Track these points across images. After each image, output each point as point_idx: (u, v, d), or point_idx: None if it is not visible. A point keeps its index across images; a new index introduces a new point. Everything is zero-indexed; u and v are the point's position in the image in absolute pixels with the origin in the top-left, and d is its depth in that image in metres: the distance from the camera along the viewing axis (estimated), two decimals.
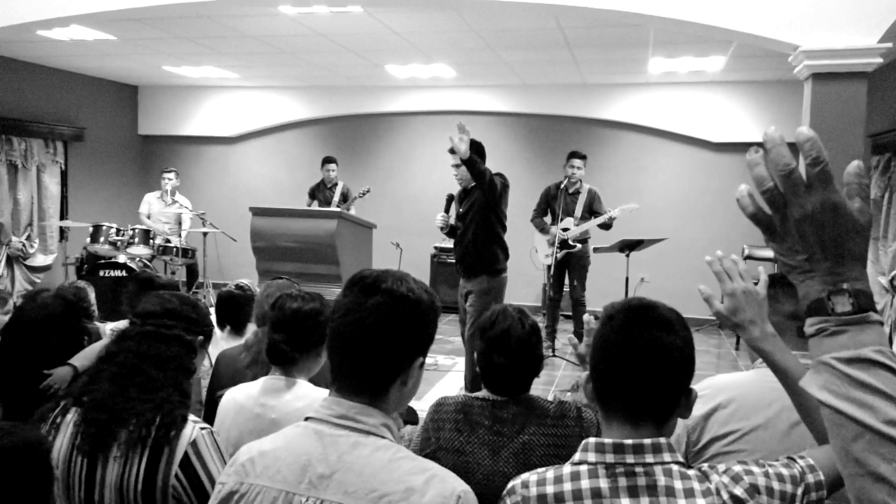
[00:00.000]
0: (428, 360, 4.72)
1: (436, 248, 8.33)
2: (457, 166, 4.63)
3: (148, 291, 2.48)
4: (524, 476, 1.21)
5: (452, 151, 4.58)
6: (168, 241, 7.37)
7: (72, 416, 1.70)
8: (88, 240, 6.95)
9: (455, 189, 4.88)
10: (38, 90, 8.06)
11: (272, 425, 1.80)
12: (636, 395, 1.19)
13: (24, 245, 7.82)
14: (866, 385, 0.74)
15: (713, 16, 4.07)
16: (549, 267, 6.24)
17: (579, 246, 6.24)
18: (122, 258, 6.72)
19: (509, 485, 1.22)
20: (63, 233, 8.26)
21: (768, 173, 0.78)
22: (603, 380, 1.23)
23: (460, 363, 5.79)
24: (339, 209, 6.55)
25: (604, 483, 1.13)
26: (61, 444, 1.67)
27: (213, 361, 2.74)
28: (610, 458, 1.15)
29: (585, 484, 1.14)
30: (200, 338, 1.88)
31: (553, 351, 6.29)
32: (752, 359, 1.74)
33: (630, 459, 1.14)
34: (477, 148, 4.48)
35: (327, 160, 7.50)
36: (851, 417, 0.74)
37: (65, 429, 1.69)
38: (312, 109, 9.11)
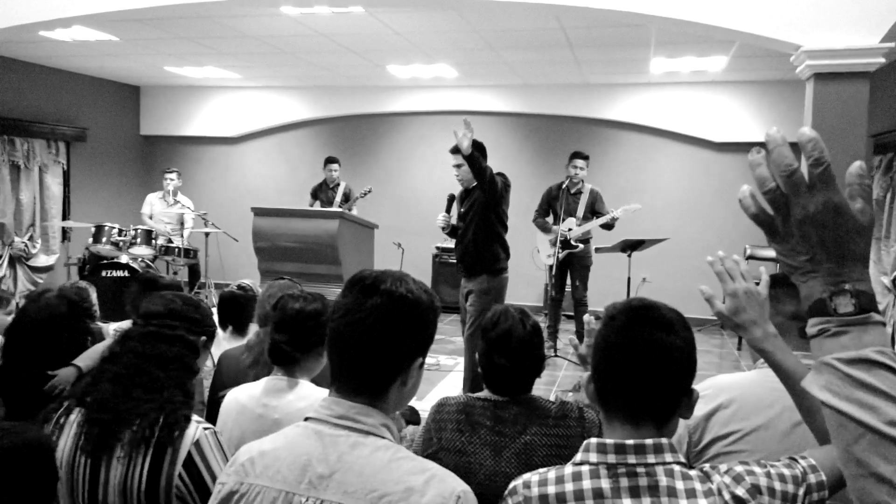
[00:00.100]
0: (430, 360, 4.68)
1: (437, 248, 8.33)
2: (458, 166, 4.63)
3: (151, 292, 2.48)
4: (526, 476, 1.21)
5: (454, 151, 4.58)
6: (170, 241, 7.38)
7: (75, 417, 1.71)
8: (91, 240, 6.96)
9: (456, 189, 4.88)
10: (41, 90, 8.07)
11: (274, 425, 1.81)
12: (637, 395, 1.19)
13: (26, 245, 7.84)
14: (868, 386, 0.74)
15: (715, 16, 4.07)
16: (550, 267, 6.24)
17: (581, 246, 6.24)
18: (124, 258, 6.73)
19: (511, 485, 1.22)
20: (65, 233, 8.28)
21: (770, 174, 0.78)
22: (604, 380, 1.23)
23: (462, 363, 5.79)
24: (340, 209, 6.56)
25: (606, 483, 1.13)
26: (65, 444, 1.68)
27: (216, 362, 2.74)
28: (612, 458, 1.15)
29: (587, 484, 1.14)
30: (203, 338, 1.89)
31: (555, 351, 6.29)
32: (754, 359, 1.74)
33: (632, 460, 1.14)
34: (478, 148, 4.48)
35: (330, 160, 7.50)
36: (853, 418, 0.74)
37: (68, 429, 1.69)
38: (314, 110, 9.11)
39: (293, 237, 5.96)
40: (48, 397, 2.27)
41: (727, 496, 1.10)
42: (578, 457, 1.18)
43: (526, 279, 7.83)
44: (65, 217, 8.34)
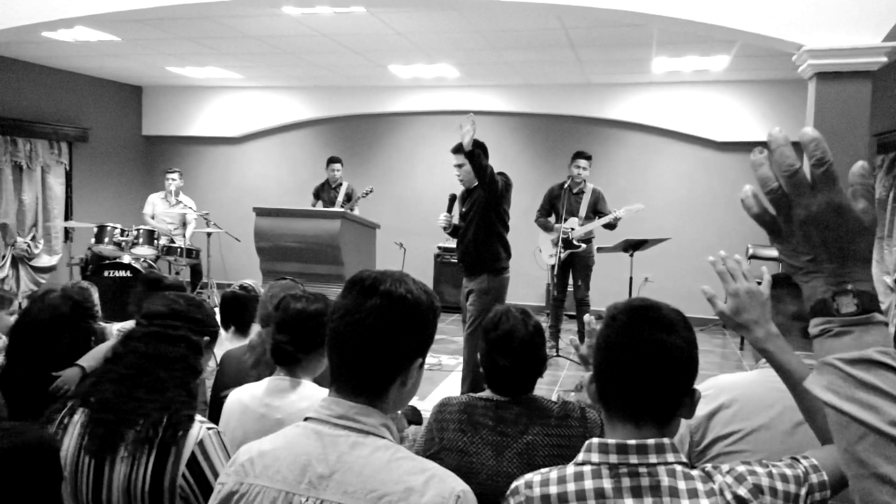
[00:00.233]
0: (431, 360, 4.68)
1: (439, 247, 8.33)
2: (459, 166, 4.63)
3: (155, 292, 2.49)
4: (528, 476, 1.21)
5: (455, 151, 4.59)
6: (172, 241, 7.39)
7: (79, 417, 1.71)
8: (93, 240, 6.97)
9: (458, 189, 4.88)
10: (43, 91, 8.09)
11: (277, 425, 1.81)
12: (639, 395, 1.19)
13: (29, 245, 7.85)
14: (870, 386, 0.74)
15: (716, 15, 4.06)
16: (552, 267, 6.24)
17: (583, 246, 6.23)
18: (126, 258, 6.74)
19: (513, 485, 1.22)
20: (68, 233, 8.29)
21: (773, 174, 0.78)
22: (606, 380, 1.23)
23: None
24: (342, 209, 6.56)
25: (607, 483, 1.13)
26: (69, 444, 1.68)
27: (218, 362, 2.75)
28: (613, 458, 1.15)
29: (589, 484, 1.14)
30: (206, 338, 1.89)
31: (557, 351, 6.29)
32: (756, 359, 1.74)
33: (633, 460, 1.14)
34: (480, 147, 4.48)
35: (332, 160, 7.51)
36: (855, 418, 0.74)
37: (72, 429, 1.70)
38: (316, 110, 9.12)
39: (295, 237, 5.97)
40: (52, 397, 2.27)
41: (729, 496, 1.10)
42: (580, 457, 1.19)
43: (528, 279, 7.83)
44: (67, 217, 8.36)
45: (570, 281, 6.47)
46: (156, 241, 7.11)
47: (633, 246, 6.11)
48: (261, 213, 6.18)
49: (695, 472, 1.14)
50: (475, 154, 4.34)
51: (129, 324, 2.09)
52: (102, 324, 3.22)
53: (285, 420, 1.84)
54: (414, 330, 1.18)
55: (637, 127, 8.17)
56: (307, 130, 9.33)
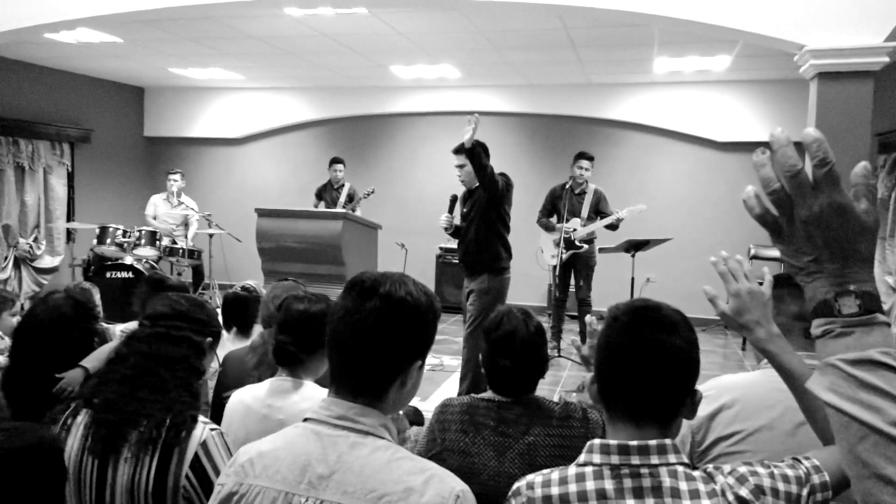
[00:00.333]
0: (433, 361, 4.68)
1: (441, 248, 8.33)
2: (460, 166, 4.63)
3: (159, 293, 2.49)
4: (529, 477, 1.21)
5: (456, 151, 4.60)
6: (174, 242, 7.40)
7: (82, 418, 1.71)
8: (95, 241, 6.98)
9: (459, 190, 4.88)
10: (45, 92, 8.10)
11: (279, 426, 1.80)
12: (640, 396, 1.19)
13: (31, 247, 7.87)
14: (872, 387, 0.74)
15: (718, 15, 4.06)
16: (554, 267, 6.23)
17: (586, 246, 6.23)
18: (128, 259, 6.75)
19: (514, 486, 1.22)
20: (70, 234, 8.31)
21: (775, 174, 0.78)
22: (607, 381, 1.23)
23: None
24: (344, 210, 6.57)
25: (609, 484, 1.13)
26: (72, 445, 1.68)
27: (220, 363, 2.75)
28: (615, 459, 1.15)
29: (590, 485, 1.14)
30: (209, 339, 1.90)
31: (558, 351, 6.29)
32: (758, 359, 1.74)
33: (635, 461, 1.14)
34: (481, 148, 4.49)
35: (335, 161, 7.51)
36: (857, 419, 0.74)
37: (75, 430, 1.70)
38: (318, 110, 9.13)
39: (297, 238, 5.97)
40: (55, 399, 2.28)
41: (731, 497, 1.10)
42: (582, 458, 1.19)
43: (529, 279, 7.83)
44: (69, 218, 8.37)
45: (572, 281, 6.46)
46: (158, 242, 7.12)
47: (634, 246, 6.11)
48: (262, 213, 6.19)
49: (697, 473, 1.14)
50: (476, 152, 4.34)
51: (133, 325, 2.10)
52: (105, 325, 3.23)
53: (287, 421, 1.84)
54: (413, 332, 1.18)
55: (638, 127, 8.17)
56: (309, 131, 9.34)
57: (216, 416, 2.19)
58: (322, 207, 7.32)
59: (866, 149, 4.02)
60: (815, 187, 0.76)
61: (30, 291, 7.86)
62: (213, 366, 2.67)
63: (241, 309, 3.28)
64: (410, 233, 8.21)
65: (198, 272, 7.67)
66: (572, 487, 1.14)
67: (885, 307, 5.84)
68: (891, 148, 6.21)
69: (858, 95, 3.98)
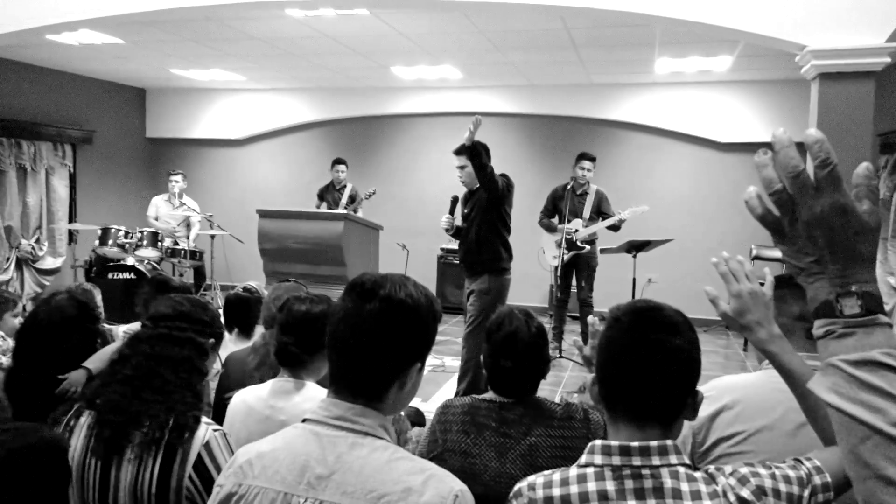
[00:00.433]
0: (435, 362, 4.67)
1: (442, 249, 8.33)
2: (462, 167, 4.63)
3: (162, 294, 2.49)
4: (530, 478, 1.21)
5: (457, 152, 4.60)
6: (176, 243, 7.41)
7: (85, 419, 1.72)
8: (97, 242, 6.99)
9: (461, 191, 4.89)
10: (47, 93, 8.12)
11: (281, 427, 1.80)
12: (642, 397, 1.19)
13: (33, 248, 7.88)
14: (874, 387, 0.74)
15: (719, 16, 4.06)
16: (556, 268, 6.23)
17: (587, 247, 6.23)
18: (130, 261, 6.75)
19: (516, 487, 1.22)
20: (72, 235, 8.32)
21: (777, 175, 0.78)
22: (609, 382, 1.23)
23: None
24: (345, 211, 6.57)
25: (610, 485, 1.13)
26: (75, 446, 1.69)
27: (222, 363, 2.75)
28: (616, 460, 1.15)
29: (592, 486, 1.14)
30: (212, 340, 1.90)
31: (560, 352, 6.28)
32: (760, 360, 1.74)
33: (636, 462, 1.14)
34: (483, 148, 4.49)
35: (337, 161, 7.52)
36: (859, 420, 0.74)
37: (79, 431, 1.70)
38: (319, 111, 9.13)
39: (298, 239, 5.97)
40: (58, 399, 2.28)
41: (732, 498, 1.10)
42: (583, 459, 1.19)
43: (531, 280, 7.83)
44: (71, 219, 8.38)
45: (574, 282, 6.46)
46: (159, 243, 7.13)
47: (636, 247, 6.11)
48: (264, 214, 6.19)
49: (698, 474, 1.14)
50: (476, 151, 4.34)
51: (136, 326, 2.10)
52: (107, 326, 3.23)
53: (289, 422, 1.84)
54: (413, 334, 1.18)
55: (640, 128, 8.17)
56: (310, 132, 9.34)
57: (218, 417, 2.20)
58: (324, 208, 7.33)
59: (868, 149, 4.02)
60: (817, 188, 0.76)
61: (32, 292, 7.87)
62: (216, 367, 2.67)
63: (242, 310, 3.29)
64: (412, 233, 8.21)
65: (199, 273, 7.67)
66: (574, 488, 1.14)
67: (887, 308, 5.84)
68: (892, 148, 6.20)
69: (860, 96, 3.97)
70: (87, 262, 7.39)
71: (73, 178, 8.48)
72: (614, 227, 6.23)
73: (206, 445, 1.67)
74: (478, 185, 4.59)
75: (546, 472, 1.21)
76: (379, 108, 8.87)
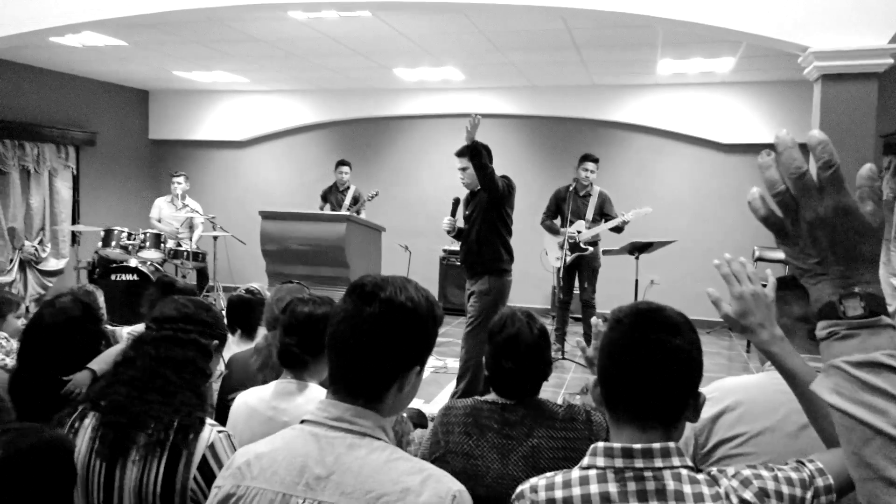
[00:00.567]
0: (437, 363, 4.66)
1: (444, 250, 8.33)
2: (463, 169, 4.64)
3: (168, 295, 2.50)
4: (533, 480, 1.21)
5: (459, 154, 4.61)
6: (179, 244, 7.42)
7: (90, 421, 1.72)
8: (100, 244, 7.00)
9: (462, 192, 4.89)
10: (50, 95, 8.14)
11: (283, 428, 1.81)
12: (644, 398, 1.19)
13: (36, 249, 7.90)
14: (877, 389, 0.74)
15: (722, 17, 4.06)
16: (558, 269, 6.23)
17: (590, 249, 6.23)
18: (133, 262, 6.77)
19: (518, 489, 1.22)
20: (75, 237, 8.33)
21: (780, 176, 0.78)
22: (611, 383, 1.23)
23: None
24: (347, 212, 6.58)
25: (613, 487, 1.13)
26: (80, 448, 1.69)
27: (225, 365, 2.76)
28: (619, 462, 1.15)
29: (594, 488, 1.14)
30: (215, 342, 1.90)
31: (562, 353, 6.28)
32: (762, 361, 1.74)
33: (639, 464, 1.14)
34: (484, 150, 4.49)
35: (341, 163, 7.53)
36: (862, 421, 0.74)
37: (83, 433, 1.70)
38: (321, 113, 9.15)
39: (301, 240, 5.98)
40: (62, 401, 2.28)
41: (735, 500, 1.10)
42: (585, 461, 1.18)
43: (533, 281, 7.83)
44: (74, 221, 8.40)
45: (576, 283, 6.46)
46: (162, 245, 7.14)
47: (638, 248, 6.10)
48: (267, 216, 6.20)
49: (700, 476, 1.14)
50: (476, 151, 4.34)
51: (140, 327, 2.10)
52: (110, 327, 3.24)
53: (292, 423, 1.83)
54: (413, 337, 1.18)
55: (642, 129, 8.16)
56: (312, 134, 9.36)
57: (221, 418, 2.20)
58: (327, 209, 7.34)
59: (870, 150, 4.01)
60: (821, 189, 0.76)
61: (35, 294, 7.89)
62: (219, 368, 2.67)
63: (245, 311, 3.29)
64: (414, 235, 8.21)
65: (202, 274, 7.68)
66: (576, 491, 1.14)
67: (891, 309, 5.81)
68: (895, 149, 6.19)
69: (863, 97, 3.97)
70: (90, 264, 7.41)
71: (76, 180, 8.50)
72: (617, 229, 6.22)
73: (211, 447, 1.67)
74: (479, 187, 4.59)
75: (548, 474, 1.21)
76: (381, 109, 8.88)
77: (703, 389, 1.24)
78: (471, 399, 2.01)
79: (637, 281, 6.29)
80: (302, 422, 1.20)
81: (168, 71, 8.03)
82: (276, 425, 1.91)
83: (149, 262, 6.91)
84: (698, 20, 4.07)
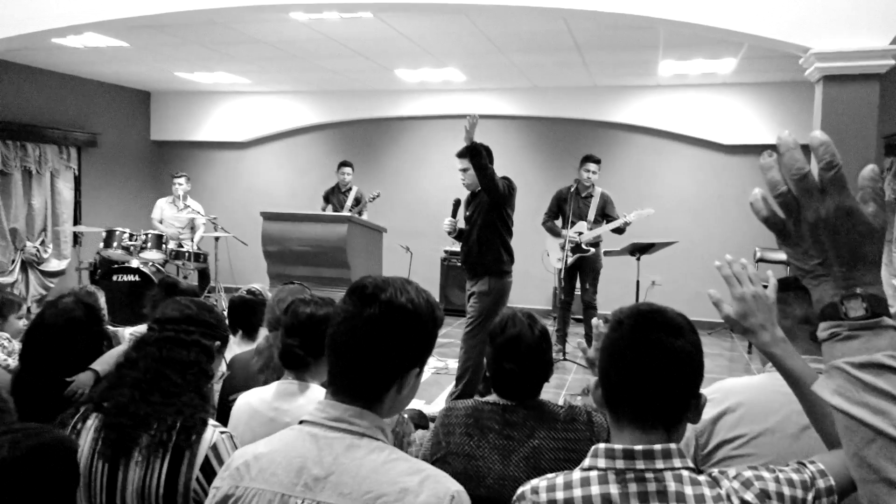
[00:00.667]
0: (439, 364, 4.66)
1: (446, 251, 8.33)
2: (464, 170, 4.64)
3: (172, 296, 2.50)
4: (534, 482, 1.21)
5: (460, 155, 4.61)
6: (180, 245, 7.42)
7: (92, 422, 1.72)
8: (102, 245, 7.01)
9: (463, 193, 4.89)
10: (52, 96, 8.15)
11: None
12: (645, 400, 1.19)
13: (38, 250, 7.90)
14: (879, 390, 0.74)
15: (723, 19, 4.06)
16: (560, 270, 6.23)
17: (592, 250, 6.22)
18: (135, 263, 6.77)
19: (519, 490, 1.22)
20: (76, 238, 8.34)
21: (782, 177, 0.78)
22: (612, 385, 1.23)
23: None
24: (349, 213, 6.58)
25: (614, 489, 1.13)
26: (83, 449, 1.69)
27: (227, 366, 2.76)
28: (620, 463, 1.15)
29: (595, 490, 1.13)
30: (218, 343, 1.90)
31: (564, 354, 6.28)
32: (764, 362, 1.74)
33: (640, 465, 1.14)
34: (485, 150, 4.49)
35: (343, 164, 7.53)
36: (864, 422, 0.74)
37: (86, 434, 1.71)
38: (323, 114, 9.15)
39: (302, 241, 5.98)
40: (65, 402, 2.28)
41: (736, 501, 1.10)
42: (587, 462, 1.18)
43: (535, 282, 7.82)
44: (76, 222, 8.41)
45: (578, 284, 6.46)
46: (164, 246, 7.15)
47: (639, 249, 6.10)
48: (268, 217, 6.20)
49: (702, 478, 1.14)
50: (476, 152, 4.34)
51: (142, 328, 2.11)
52: (111, 328, 3.24)
53: (293, 424, 1.85)
54: (413, 339, 1.18)
55: (644, 130, 8.16)
56: (314, 135, 9.36)
57: (222, 419, 2.20)
58: (330, 210, 7.35)
59: (872, 151, 4.01)
60: (823, 190, 0.76)
61: (36, 294, 7.90)
62: (221, 369, 2.68)
63: (246, 312, 3.29)
64: (415, 236, 8.21)
65: (204, 275, 7.69)
66: (577, 492, 1.14)
67: (893, 310, 5.80)
68: None
69: (864, 98, 3.96)
70: (92, 265, 7.42)
71: (77, 181, 8.51)
72: (619, 230, 6.22)
73: (214, 448, 1.67)
74: (480, 188, 4.59)
75: (549, 476, 1.20)
76: (382, 110, 8.89)
77: (704, 390, 1.24)
78: (472, 400, 2.01)
79: (638, 282, 6.29)
80: (301, 422, 1.20)
81: (170, 72, 8.04)
82: (277, 426, 1.91)
83: (150, 263, 6.92)
84: (700, 21, 4.07)
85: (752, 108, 7.70)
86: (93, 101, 8.73)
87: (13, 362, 2.97)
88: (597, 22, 5.17)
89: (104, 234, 7.01)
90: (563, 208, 6.34)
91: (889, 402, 0.73)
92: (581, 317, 6.68)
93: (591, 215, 6.29)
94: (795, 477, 1.13)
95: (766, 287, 1.37)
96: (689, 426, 1.33)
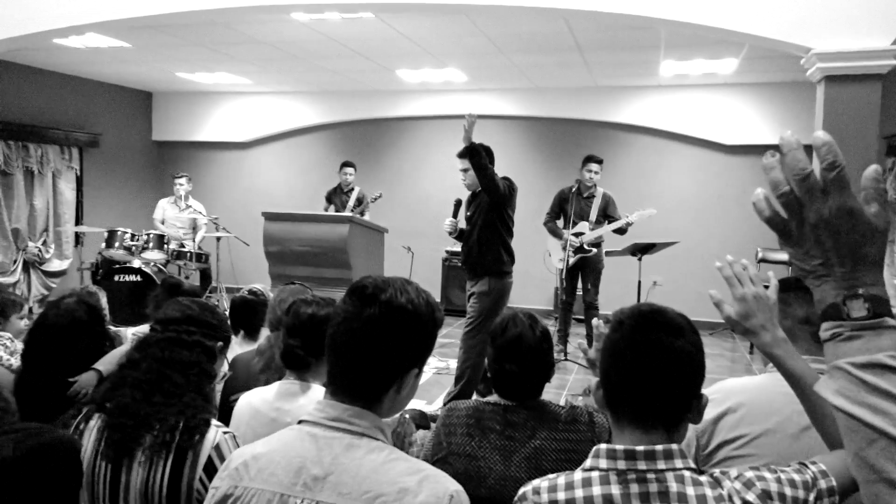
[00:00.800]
0: (439, 364, 4.66)
1: (447, 251, 8.33)
2: (465, 170, 4.64)
3: (174, 297, 2.50)
4: (535, 482, 1.21)
5: (461, 155, 4.61)
6: (182, 245, 7.43)
7: (95, 422, 1.72)
8: (103, 245, 7.02)
9: (465, 194, 4.89)
10: (54, 97, 8.16)
11: None
12: (647, 400, 1.18)
13: (39, 250, 7.91)
14: (881, 390, 0.74)
15: (725, 19, 4.05)
16: (561, 270, 6.23)
17: (594, 251, 6.22)
18: (136, 263, 6.78)
19: (520, 491, 1.22)
20: (78, 238, 8.35)
21: (784, 177, 0.78)
22: (613, 386, 1.22)
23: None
24: (350, 214, 6.58)
25: (615, 490, 1.13)
26: (86, 449, 1.69)
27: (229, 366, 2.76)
28: (621, 464, 1.15)
29: (597, 490, 1.13)
30: (220, 343, 1.90)
31: (565, 355, 6.27)
32: (765, 363, 1.73)
33: (642, 466, 1.14)
34: (486, 151, 4.49)
35: (346, 164, 7.53)
36: (866, 423, 0.74)
37: (88, 434, 1.71)
38: (324, 114, 9.16)
39: (304, 241, 5.99)
40: (67, 402, 2.28)
41: (738, 502, 1.10)
42: (588, 463, 1.18)
43: (536, 282, 7.82)
44: (78, 222, 8.42)
45: (579, 284, 6.46)
46: (166, 246, 7.15)
47: (641, 250, 6.10)
48: (270, 217, 6.20)
49: (703, 478, 1.14)
50: (476, 152, 4.34)
51: (144, 328, 2.11)
52: (113, 328, 3.24)
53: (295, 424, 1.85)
54: (412, 340, 1.18)
55: (645, 130, 8.16)
56: (315, 135, 9.37)
57: (224, 420, 2.20)
58: (332, 211, 7.35)
59: (874, 152, 4.00)
60: (825, 190, 0.76)
61: (38, 295, 7.91)
62: (223, 369, 2.68)
63: (248, 312, 3.29)
64: (417, 236, 8.22)
65: (205, 275, 7.69)
66: (578, 493, 1.14)
67: (895, 311, 5.79)
68: None
69: (866, 98, 3.96)
70: (94, 265, 7.42)
71: (79, 181, 8.52)
72: (621, 231, 6.22)
73: (217, 448, 1.67)
74: (481, 188, 4.59)
75: (550, 476, 1.20)
76: (384, 111, 8.89)
77: (705, 391, 1.24)
78: (473, 400, 2.01)
79: (640, 282, 6.29)
80: (300, 422, 1.20)
81: (171, 72, 8.04)
82: (279, 426, 1.90)
83: (152, 264, 6.92)
84: (701, 22, 4.07)
85: (754, 109, 7.69)
86: (94, 101, 8.74)
87: (15, 362, 2.97)
88: (597, 22, 5.17)
89: (106, 235, 7.01)
90: (564, 208, 6.34)
91: (891, 402, 0.73)
92: (582, 317, 6.67)
93: (593, 216, 6.29)
94: (797, 477, 1.13)
95: (767, 287, 1.37)
96: (691, 426, 1.33)
